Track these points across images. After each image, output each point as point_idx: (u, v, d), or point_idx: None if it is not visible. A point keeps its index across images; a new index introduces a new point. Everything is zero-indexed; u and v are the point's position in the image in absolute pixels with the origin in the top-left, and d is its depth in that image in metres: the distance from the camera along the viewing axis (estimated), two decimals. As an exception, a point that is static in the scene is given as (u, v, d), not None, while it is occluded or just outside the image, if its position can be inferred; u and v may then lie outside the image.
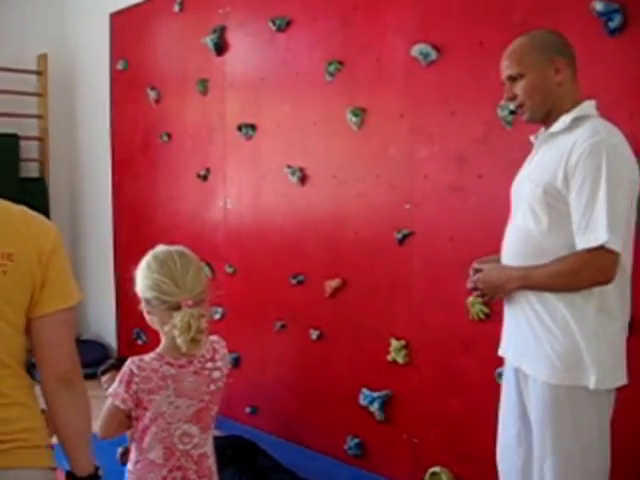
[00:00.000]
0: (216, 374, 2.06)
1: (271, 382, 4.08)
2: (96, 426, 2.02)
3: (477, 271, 2.27)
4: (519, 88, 2.16)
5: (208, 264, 4.33)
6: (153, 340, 2.12)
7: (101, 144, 5.37)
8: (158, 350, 2.05)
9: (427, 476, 3.23)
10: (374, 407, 3.45)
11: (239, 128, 4.12)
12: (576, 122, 2.09)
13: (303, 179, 3.78)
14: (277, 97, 3.94)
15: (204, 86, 4.39)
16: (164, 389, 1.99)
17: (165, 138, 4.74)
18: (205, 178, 4.42)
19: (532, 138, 2.28)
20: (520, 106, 2.19)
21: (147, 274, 2.01)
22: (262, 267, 4.06)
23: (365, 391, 3.50)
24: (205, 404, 2.05)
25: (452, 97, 3.09)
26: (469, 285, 2.29)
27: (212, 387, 2.06)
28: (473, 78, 3.01)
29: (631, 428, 2.48)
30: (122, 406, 1.99)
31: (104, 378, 2.43)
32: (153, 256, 2.05)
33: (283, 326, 3.95)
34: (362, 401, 3.51)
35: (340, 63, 3.55)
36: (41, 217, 1.62)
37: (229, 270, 4.26)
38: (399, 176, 3.33)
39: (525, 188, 2.18)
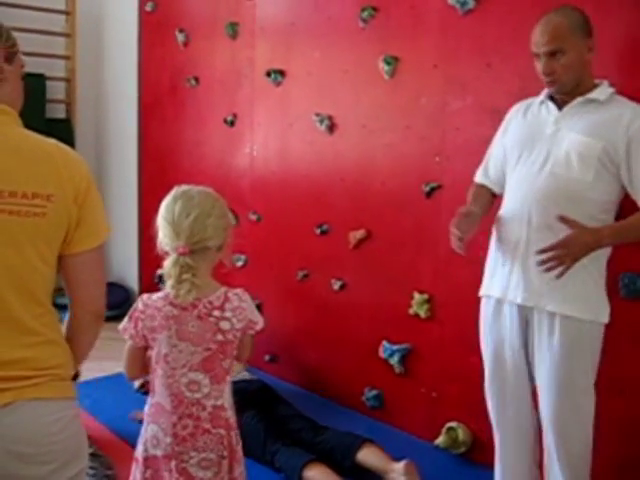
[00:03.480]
0: (224, 324, 2.00)
1: (291, 331, 4.08)
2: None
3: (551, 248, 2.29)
4: (558, 64, 2.32)
5: (232, 211, 4.30)
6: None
7: (128, 86, 5.33)
8: (166, 290, 2.02)
9: (444, 430, 3.24)
10: (394, 360, 3.45)
11: (268, 74, 4.06)
12: (615, 96, 2.36)
13: (331, 127, 3.72)
14: (308, 43, 3.86)
15: (234, 30, 4.32)
16: (166, 329, 1.97)
17: (193, 82, 4.68)
18: (232, 124, 4.38)
19: (543, 97, 2.46)
20: (553, 80, 2.36)
21: (159, 217, 2.03)
22: (287, 215, 4.04)
23: (385, 344, 3.50)
24: (212, 353, 2.00)
25: (489, 48, 3.01)
26: (545, 255, 2.28)
27: (220, 337, 2.00)
28: (511, 29, 2.92)
29: None
30: (131, 341, 2.02)
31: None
32: (167, 198, 2.05)
33: (306, 275, 3.94)
34: (382, 353, 3.51)
35: (374, 9, 3.46)
36: (73, 151, 1.62)
37: (253, 217, 4.24)
38: (430, 128, 3.26)
39: (572, 140, 2.33)
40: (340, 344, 3.78)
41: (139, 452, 2.06)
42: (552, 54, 2.32)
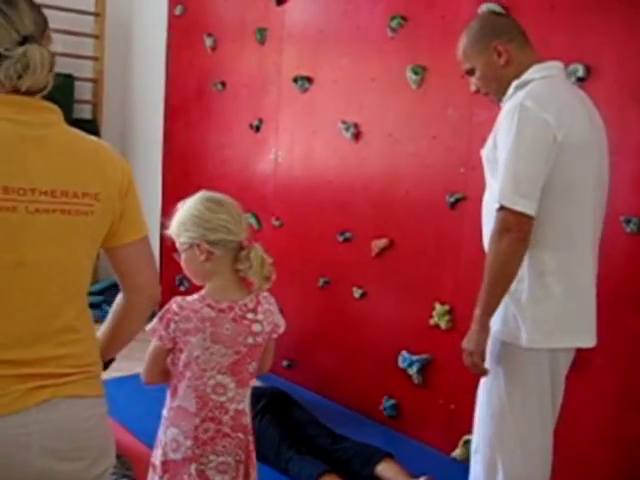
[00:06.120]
0: (256, 327, 2.01)
1: (310, 337, 4.07)
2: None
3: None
4: (476, 80, 2.32)
5: (255, 215, 4.32)
6: (196, 287, 2.11)
7: (155, 89, 5.36)
8: (202, 292, 2.03)
9: (461, 443, 3.21)
10: (412, 370, 3.43)
11: (295, 80, 4.07)
12: (517, 89, 2.18)
13: (357, 135, 3.72)
14: (336, 50, 3.86)
15: (262, 35, 4.33)
16: (201, 331, 1.96)
17: (219, 86, 4.70)
18: (257, 129, 4.39)
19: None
20: (485, 94, 2.34)
21: (208, 217, 2.00)
22: (309, 222, 4.03)
23: (405, 353, 3.48)
24: (241, 356, 2.01)
25: (518, 60, 2.99)
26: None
27: (250, 340, 2.01)
28: (542, 41, 2.88)
29: None
30: (159, 343, 1.98)
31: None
32: (207, 199, 2.03)
33: (326, 282, 3.93)
34: (401, 363, 3.49)
35: (403, 18, 3.46)
36: (114, 151, 1.63)
37: (276, 223, 4.24)
38: (456, 138, 3.25)
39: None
40: (359, 352, 3.77)
41: (157, 457, 2.04)
42: (468, 73, 2.34)
